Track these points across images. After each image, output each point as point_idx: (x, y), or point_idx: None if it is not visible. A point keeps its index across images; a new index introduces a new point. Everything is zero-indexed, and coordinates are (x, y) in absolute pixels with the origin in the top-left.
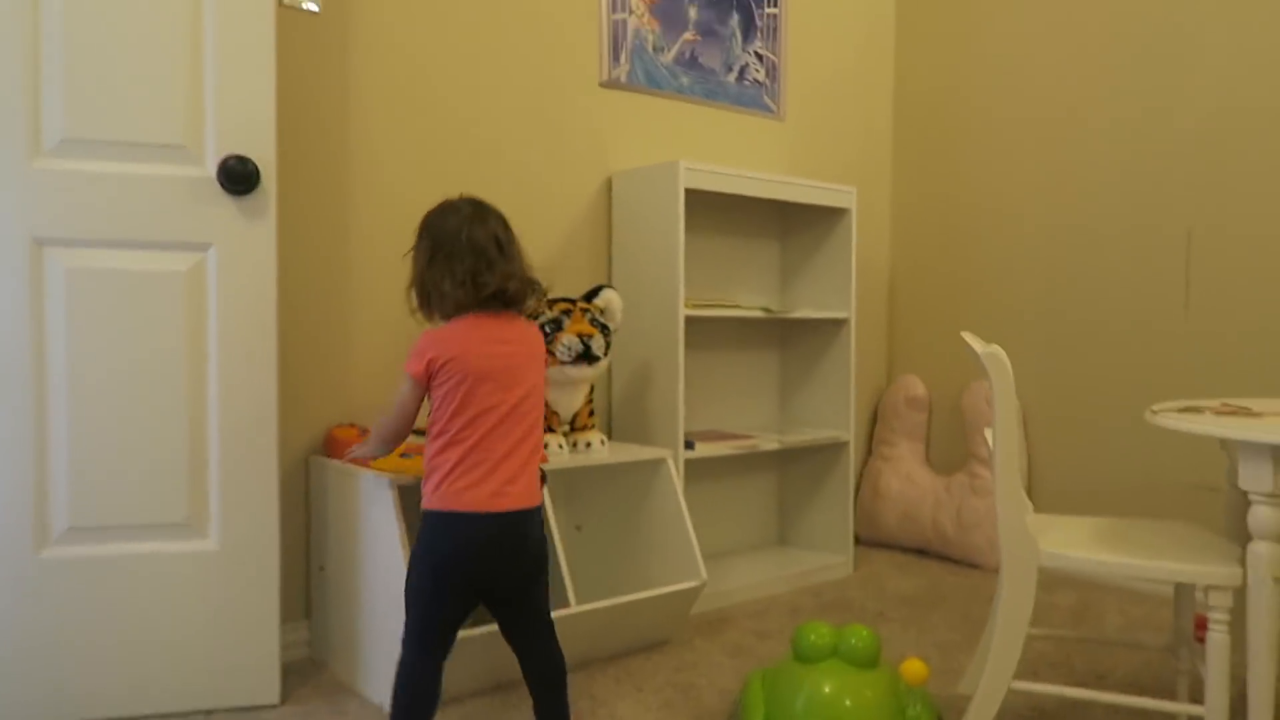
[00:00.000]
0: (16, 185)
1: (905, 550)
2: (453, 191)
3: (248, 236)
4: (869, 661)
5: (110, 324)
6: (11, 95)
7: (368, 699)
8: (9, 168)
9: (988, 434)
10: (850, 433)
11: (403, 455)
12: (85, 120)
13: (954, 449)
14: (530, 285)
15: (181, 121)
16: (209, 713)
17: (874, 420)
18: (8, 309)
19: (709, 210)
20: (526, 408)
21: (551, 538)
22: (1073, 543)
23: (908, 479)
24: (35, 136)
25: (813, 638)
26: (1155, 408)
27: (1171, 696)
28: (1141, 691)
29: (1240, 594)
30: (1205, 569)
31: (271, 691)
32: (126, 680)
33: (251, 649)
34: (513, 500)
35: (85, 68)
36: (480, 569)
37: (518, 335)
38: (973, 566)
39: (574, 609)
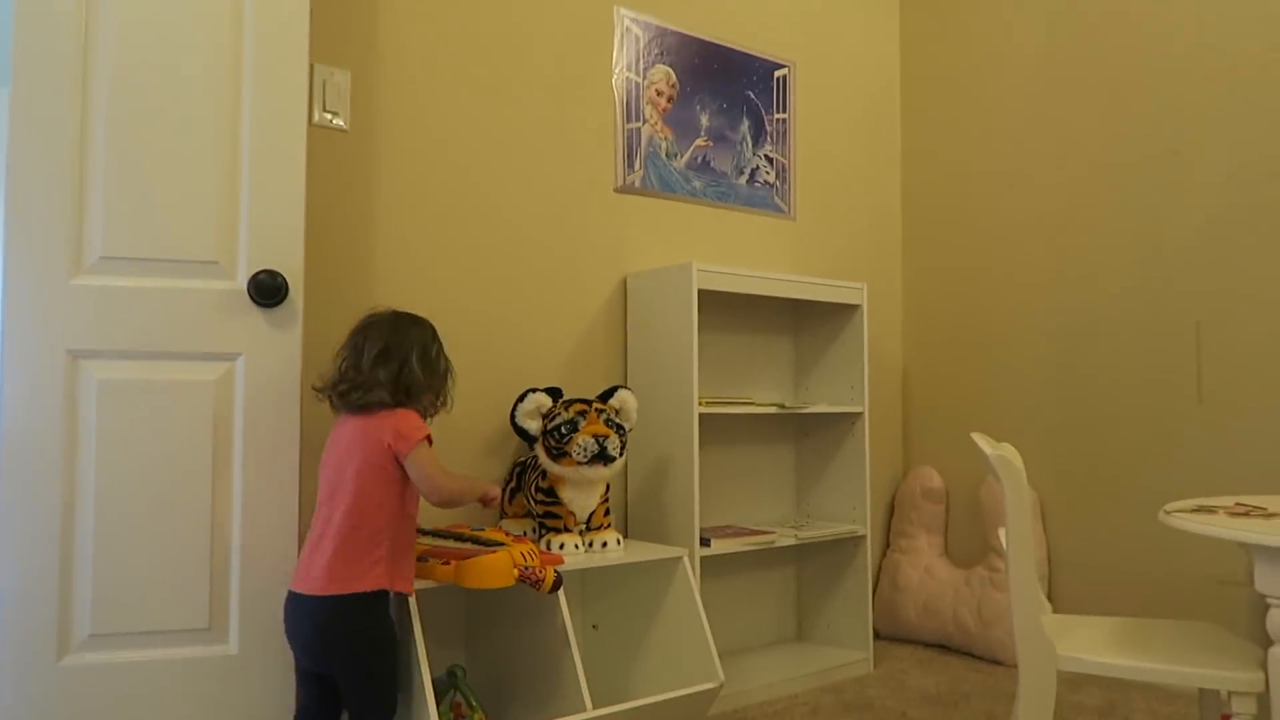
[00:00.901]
0: (56, 302)
1: (926, 645)
2: (476, 292)
3: (275, 345)
4: None
5: (140, 432)
6: (57, 216)
7: None
8: (50, 286)
9: (1002, 534)
10: (867, 526)
11: (420, 559)
12: (123, 239)
13: (973, 541)
14: None
15: (215, 237)
16: None
17: (891, 512)
18: (43, 418)
19: (722, 308)
20: None
21: (567, 637)
22: (1092, 646)
23: (927, 572)
24: (77, 255)
25: None
26: (1169, 508)
27: None
28: None
29: (1264, 698)
30: (1227, 674)
31: None
32: None
33: None
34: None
35: (126, 188)
36: None
37: None
38: (995, 663)
39: (590, 713)
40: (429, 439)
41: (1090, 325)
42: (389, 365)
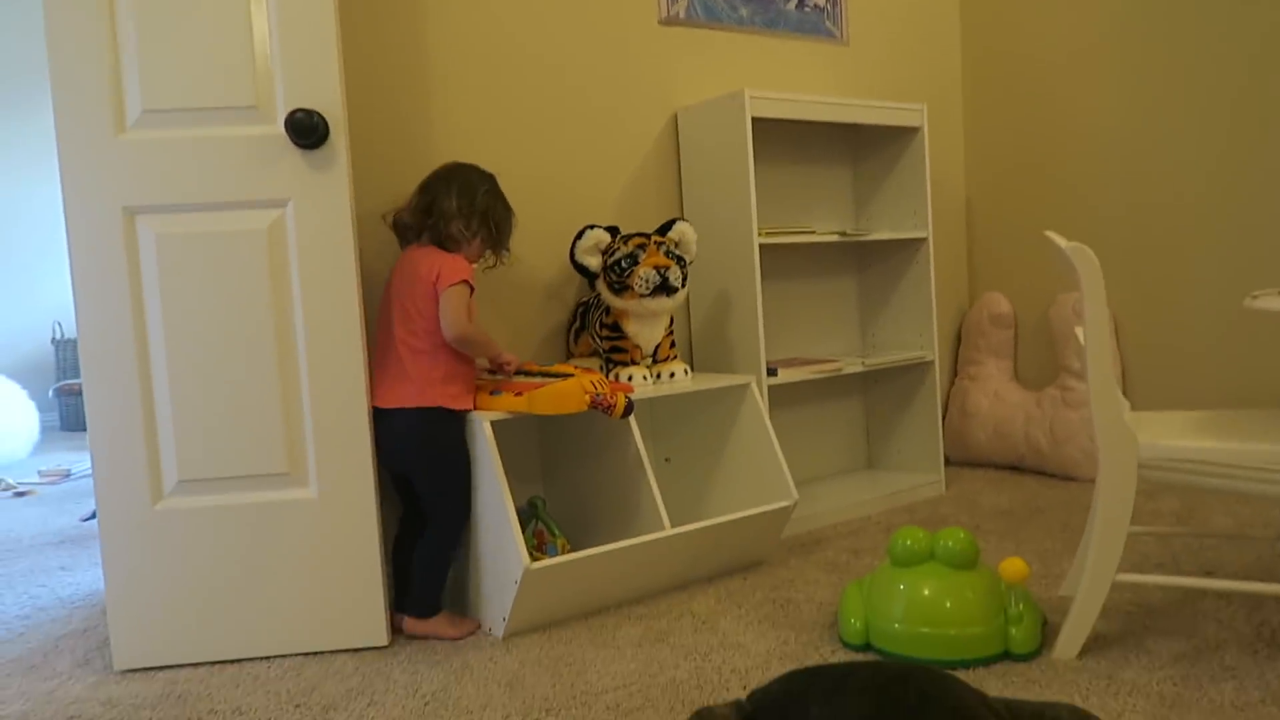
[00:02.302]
0: (106, 160)
1: (998, 468)
2: (526, 137)
3: (322, 189)
4: (967, 563)
5: (199, 285)
6: (97, 78)
7: (481, 632)
8: (99, 145)
9: (1079, 333)
10: (934, 352)
11: (493, 394)
12: (161, 90)
13: (1044, 364)
14: None
15: (250, 81)
16: (320, 655)
17: (957, 341)
18: (108, 277)
19: (777, 139)
20: None
21: (642, 462)
22: (1173, 433)
23: (996, 397)
24: (119, 113)
25: (909, 542)
26: (1255, 293)
27: None
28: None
29: None
30: None
31: (379, 633)
32: (240, 624)
33: (357, 592)
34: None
35: (157, 44)
36: None
37: None
38: (1069, 479)
39: (668, 531)
40: (469, 285)
41: (1166, 124)
42: (425, 198)
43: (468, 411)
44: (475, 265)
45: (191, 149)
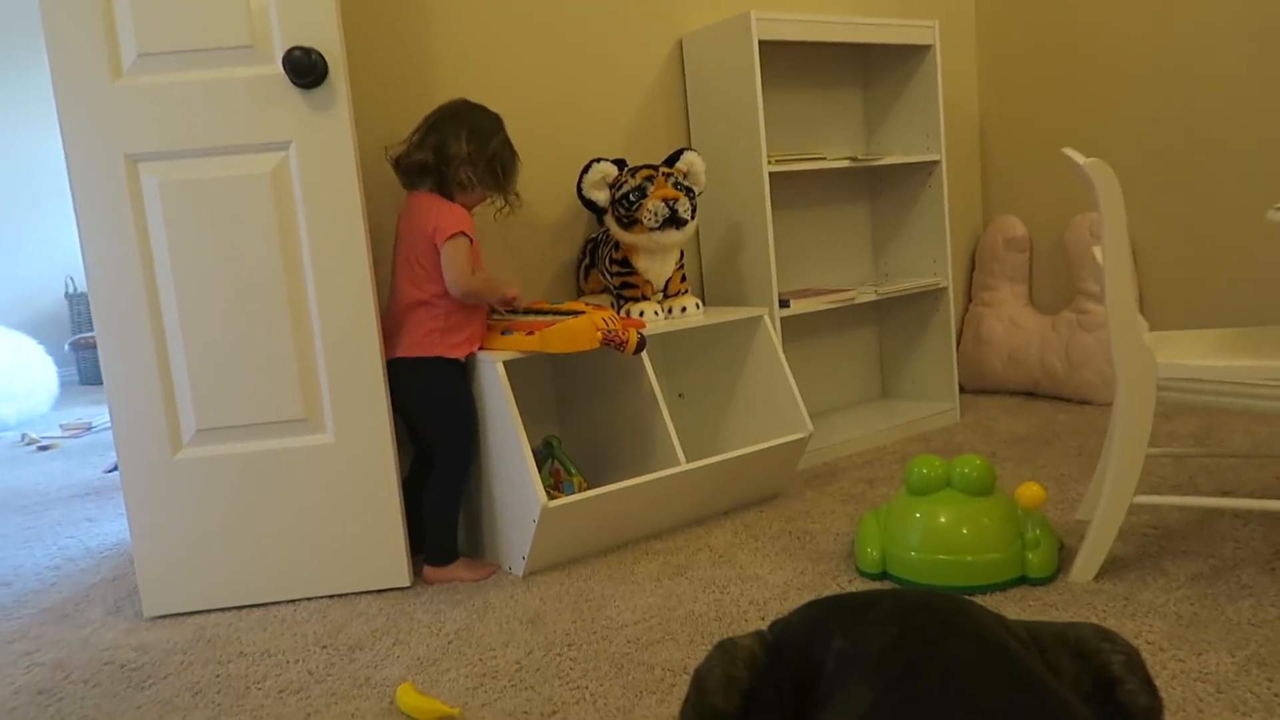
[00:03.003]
0: (104, 107)
1: (1013, 394)
2: (528, 72)
3: (324, 130)
4: (983, 489)
5: (205, 231)
6: (90, 23)
7: (501, 572)
8: (96, 92)
9: (1097, 252)
10: (948, 278)
11: (504, 334)
12: (156, 32)
13: (1059, 288)
14: None
15: (244, 21)
16: (344, 597)
17: (971, 267)
18: (114, 228)
19: (784, 63)
20: None
21: (655, 399)
22: (1192, 352)
23: (1011, 322)
24: (114, 58)
25: (925, 470)
26: (1278, 205)
27: None
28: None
29: None
30: None
31: (401, 574)
32: (263, 569)
33: (378, 535)
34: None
35: None
36: None
37: None
38: (1085, 403)
39: (684, 466)
40: (468, 236)
41: (1189, 40)
42: (434, 139)
43: (472, 356)
44: (476, 211)
45: (189, 92)
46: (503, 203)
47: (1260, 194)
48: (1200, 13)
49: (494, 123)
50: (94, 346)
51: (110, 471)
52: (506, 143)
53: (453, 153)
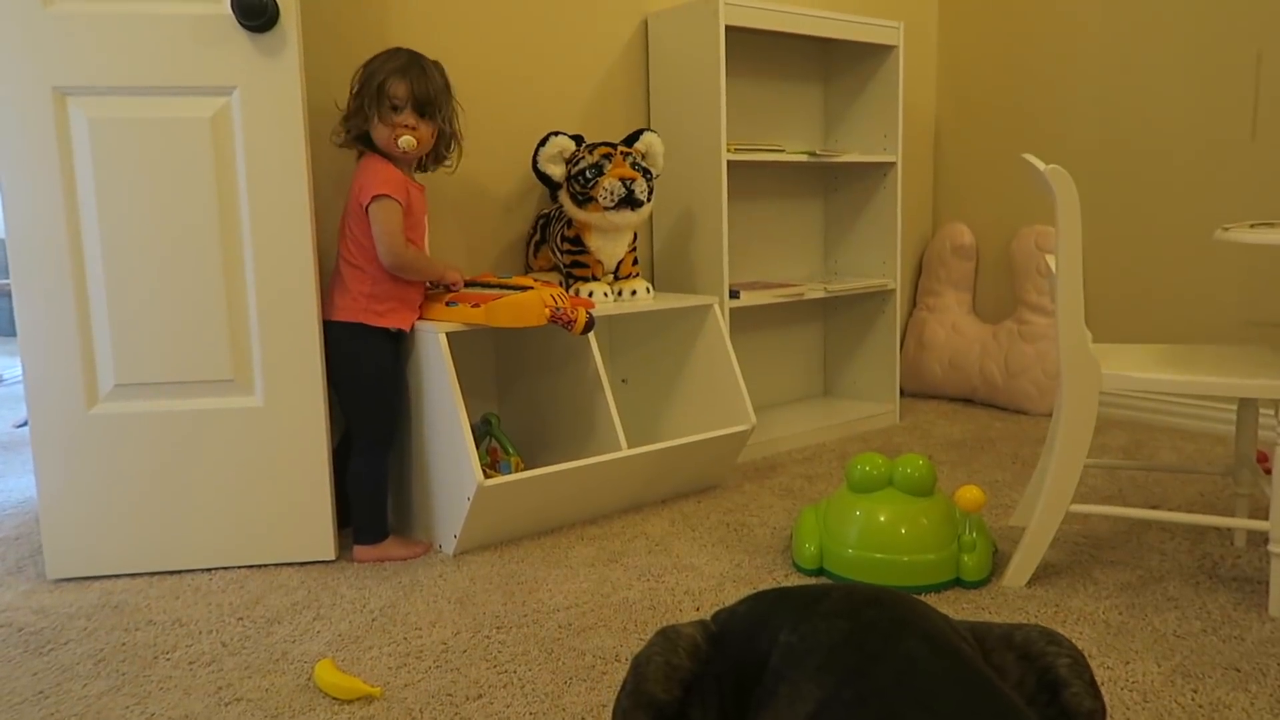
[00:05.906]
0: (35, 33)
1: (951, 399)
2: (487, 32)
3: (271, 77)
4: (925, 490)
5: (138, 176)
6: None
7: (431, 550)
8: (25, 17)
9: (1050, 260)
10: (897, 281)
11: (449, 304)
12: None
13: (1002, 297)
14: None
15: None
16: (265, 568)
17: (918, 272)
18: (37, 165)
19: (748, 52)
20: None
21: (600, 381)
22: (1135, 365)
23: (953, 329)
24: None
25: (867, 468)
26: (1226, 225)
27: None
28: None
29: None
30: (1274, 383)
31: (326, 547)
32: (179, 534)
33: (304, 504)
34: None
35: None
36: None
37: None
38: (1021, 413)
39: (625, 452)
40: (396, 200)
41: (1140, 59)
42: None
43: (403, 330)
44: (429, 179)
45: (128, 24)
46: (450, 162)
47: (1203, 213)
48: (1155, 35)
49: (384, 56)
50: (9, 294)
51: (20, 426)
52: (395, 71)
53: (348, 102)
